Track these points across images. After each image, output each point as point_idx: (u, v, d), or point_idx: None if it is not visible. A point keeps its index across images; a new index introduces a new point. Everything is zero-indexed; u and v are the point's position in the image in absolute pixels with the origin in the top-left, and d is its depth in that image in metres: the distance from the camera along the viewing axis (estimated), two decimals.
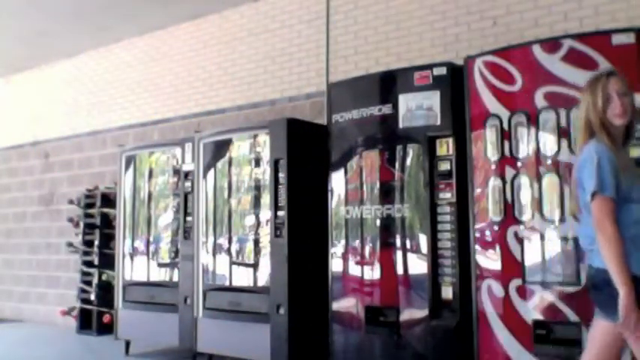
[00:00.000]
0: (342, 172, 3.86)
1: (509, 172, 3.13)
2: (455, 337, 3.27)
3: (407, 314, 3.45)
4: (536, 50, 3.09)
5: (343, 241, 3.80)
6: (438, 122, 3.43)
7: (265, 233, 4.20)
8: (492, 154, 3.19)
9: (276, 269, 4.04)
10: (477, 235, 3.22)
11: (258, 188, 4.35)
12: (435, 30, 4.53)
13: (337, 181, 3.88)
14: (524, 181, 3.08)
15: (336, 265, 3.82)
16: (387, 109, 3.62)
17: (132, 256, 5.25)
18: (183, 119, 6.11)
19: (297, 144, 4.15)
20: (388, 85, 3.71)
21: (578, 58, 2.96)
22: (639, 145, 2.77)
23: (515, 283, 3.05)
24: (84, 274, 6.20)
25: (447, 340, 3.30)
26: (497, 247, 3.13)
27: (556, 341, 2.91)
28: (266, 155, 4.26)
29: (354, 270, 3.71)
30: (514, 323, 3.04)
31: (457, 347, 3.26)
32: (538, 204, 3.01)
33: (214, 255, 4.56)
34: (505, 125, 3.16)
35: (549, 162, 3.01)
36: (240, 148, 4.53)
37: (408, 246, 3.49)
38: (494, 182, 3.18)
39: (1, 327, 7.01)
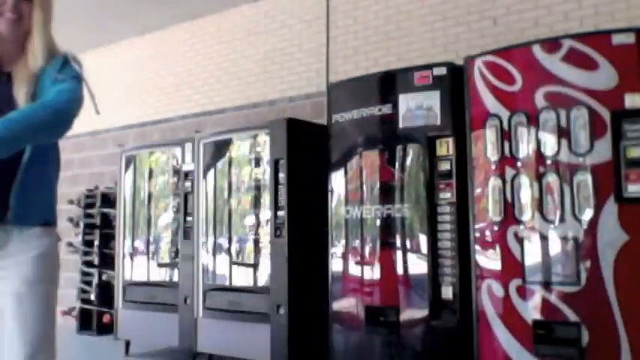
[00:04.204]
0: (342, 172, 3.86)
1: (509, 172, 3.12)
2: (455, 337, 3.27)
3: (407, 314, 3.44)
4: (536, 50, 3.09)
5: (343, 241, 3.80)
6: (438, 122, 3.42)
7: (265, 233, 4.20)
8: (492, 154, 3.19)
9: (276, 269, 4.04)
10: (477, 235, 3.22)
11: (258, 188, 4.35)
12: (435, 30, 4.53)
13: (337, 181, 3.87)
14: (524, 181, 3.07)
15: (336, 265, 3.82)
16: (387, 109, 3.61)
17: (132, 256, 5.25)
18: (183, 119, 6.10)
19: (297, 144, 4.15)
20: (388, 85, 3.70)
21: (578, 58, 2.95)
22: (638, 145, 2.78)
23: (515, 283, 3.04)
24: (84, 274, 6.19)
25: (447, 340, 3.30)
26: (497, 247, 3.13)
27: (556, 341, 2.90)
28: (266, 155, 4.26)
29: (354, 270, 3.71)
30: (514, 323, 3.04)
31: (457, 347, 3.26)
32: (538, 204, 3.01)
33: (214, 255, 4.55)
34: (505, 125, 3.15)
35: (549, 162, 3.00)
36: (240, 148, 4.53)
37: (408, 246, 3.49)
38: (494, 182, 3.17)
39: None
